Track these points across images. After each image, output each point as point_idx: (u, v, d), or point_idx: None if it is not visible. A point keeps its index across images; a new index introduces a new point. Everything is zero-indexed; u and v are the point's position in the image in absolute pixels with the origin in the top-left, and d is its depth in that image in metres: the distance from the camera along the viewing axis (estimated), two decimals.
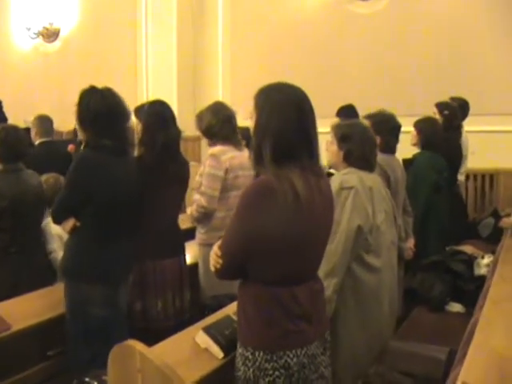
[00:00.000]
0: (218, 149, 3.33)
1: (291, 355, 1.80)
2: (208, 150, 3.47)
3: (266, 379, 1.80)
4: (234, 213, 1.82)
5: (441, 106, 4.66)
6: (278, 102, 1.78)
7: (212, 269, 1.88)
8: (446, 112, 4.58)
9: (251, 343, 1.83)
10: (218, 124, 3.32)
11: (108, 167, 2.65)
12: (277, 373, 1.79)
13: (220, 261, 1.82)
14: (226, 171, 3.26)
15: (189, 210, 3.37)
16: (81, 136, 2.73)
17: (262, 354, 1.80)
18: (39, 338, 2.76)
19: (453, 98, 4.94)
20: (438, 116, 4.59)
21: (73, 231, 2.72)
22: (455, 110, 4.67)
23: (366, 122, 3.26)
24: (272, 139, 1.74)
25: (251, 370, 1.82)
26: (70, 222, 2.70)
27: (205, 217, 3.31)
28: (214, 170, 3.26)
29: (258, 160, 1.79)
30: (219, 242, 1.86)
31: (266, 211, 1.71)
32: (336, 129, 2.72)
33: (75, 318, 2.71)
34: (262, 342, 1.81)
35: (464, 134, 4.94)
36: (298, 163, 1.75)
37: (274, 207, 1.70)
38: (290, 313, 1.80)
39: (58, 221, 2.82)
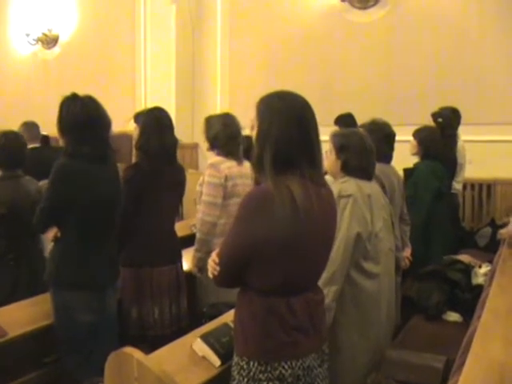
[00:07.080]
0: (217, 159, 3.38)
1: (286, 367, 1.78)
2: (207, 158, 3.54)
3: None
4: (233, 220, 1.81)
5: (435, 115, 4.73)
6: (279, 109, 1.77)
7: (210, 276, 1.87)
8: (439, 120, 4.63)
9: (246, 353, 1.81)
10: (225, 139, 3.38)
11: (87, 174, 2.63)
12: None
13: (218, 268, 1.81)
14: (226, 178, 3.29)
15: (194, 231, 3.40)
16: (61, 143, 2.70)
17: (256, 364, 1.78)
18: (35, 344, 2.76)
19: (442, 108, 4.96)
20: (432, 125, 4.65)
21: (56, 239, 2.72)
22: (449, 118, 4.72)
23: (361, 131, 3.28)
24: (273, 147, 1.73)
25: (245, 379, 1.80)
26: (52, 232, 2.70)
27: (211, 228, 3.31)
28: (213, 178, 3.30)
29: (258, 168, 1.78)
30: (217, 250, 1.86)
31: (265, 218, 1.70)
32: (334, 138, 2.74)
33: (62, 325, 2.71)
34: (256, 352, 1.79)
35: (460, 143, 4.97)
36: (297, 171, 1.74)
37: (272, 214, 1.69)
38: (286, 324, 1.78)
39: (40, 230, 2.82)
